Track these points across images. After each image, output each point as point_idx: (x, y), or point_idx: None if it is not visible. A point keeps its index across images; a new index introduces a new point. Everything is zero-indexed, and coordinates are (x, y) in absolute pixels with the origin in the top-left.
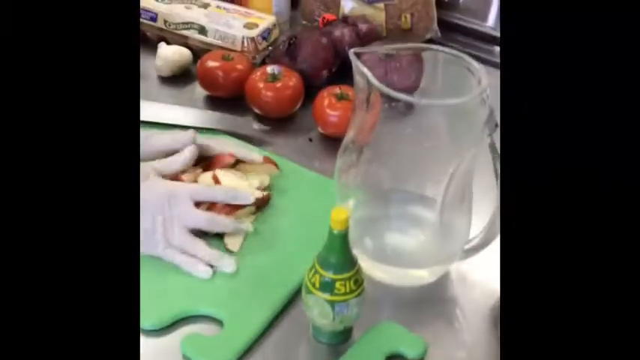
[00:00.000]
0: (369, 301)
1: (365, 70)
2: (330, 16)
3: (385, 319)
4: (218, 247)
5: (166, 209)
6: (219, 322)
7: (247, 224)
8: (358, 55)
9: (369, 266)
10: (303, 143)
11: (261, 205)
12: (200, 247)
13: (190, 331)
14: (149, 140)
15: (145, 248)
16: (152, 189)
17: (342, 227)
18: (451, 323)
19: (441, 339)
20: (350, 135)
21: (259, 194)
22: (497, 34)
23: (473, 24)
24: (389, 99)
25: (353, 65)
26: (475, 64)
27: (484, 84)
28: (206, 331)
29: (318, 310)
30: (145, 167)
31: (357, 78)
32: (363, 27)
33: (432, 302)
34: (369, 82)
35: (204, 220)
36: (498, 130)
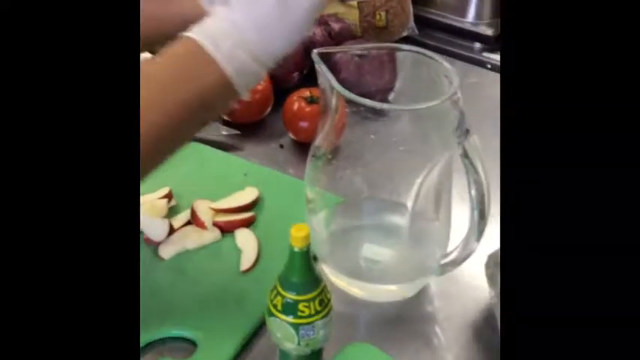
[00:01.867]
0: (342, 319)
1: (328, 73)
2: None
3: (358, 339)
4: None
5: None
6: (192, 343)
7: None
8: (326, 56)
9: (342, 282)
10: (274, 149)
11: (245, 225)
12: None
13: (160, 355)
14: None
15: None
16: None
17: (302, 244)
18: (430, 341)
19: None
20: (318, 140)
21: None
22: (477, 30)
23: (451, 20)
24: (354, 103)
25: (316, 67)
26: (446, 64)
27: (455, 86)
28: (178, 353)
29: (281, 334)
30: None
31: (321, 80)
32: (335, 26)
33: (408, 319)
34: (331, 85)
35: None
36: (475, 137)
